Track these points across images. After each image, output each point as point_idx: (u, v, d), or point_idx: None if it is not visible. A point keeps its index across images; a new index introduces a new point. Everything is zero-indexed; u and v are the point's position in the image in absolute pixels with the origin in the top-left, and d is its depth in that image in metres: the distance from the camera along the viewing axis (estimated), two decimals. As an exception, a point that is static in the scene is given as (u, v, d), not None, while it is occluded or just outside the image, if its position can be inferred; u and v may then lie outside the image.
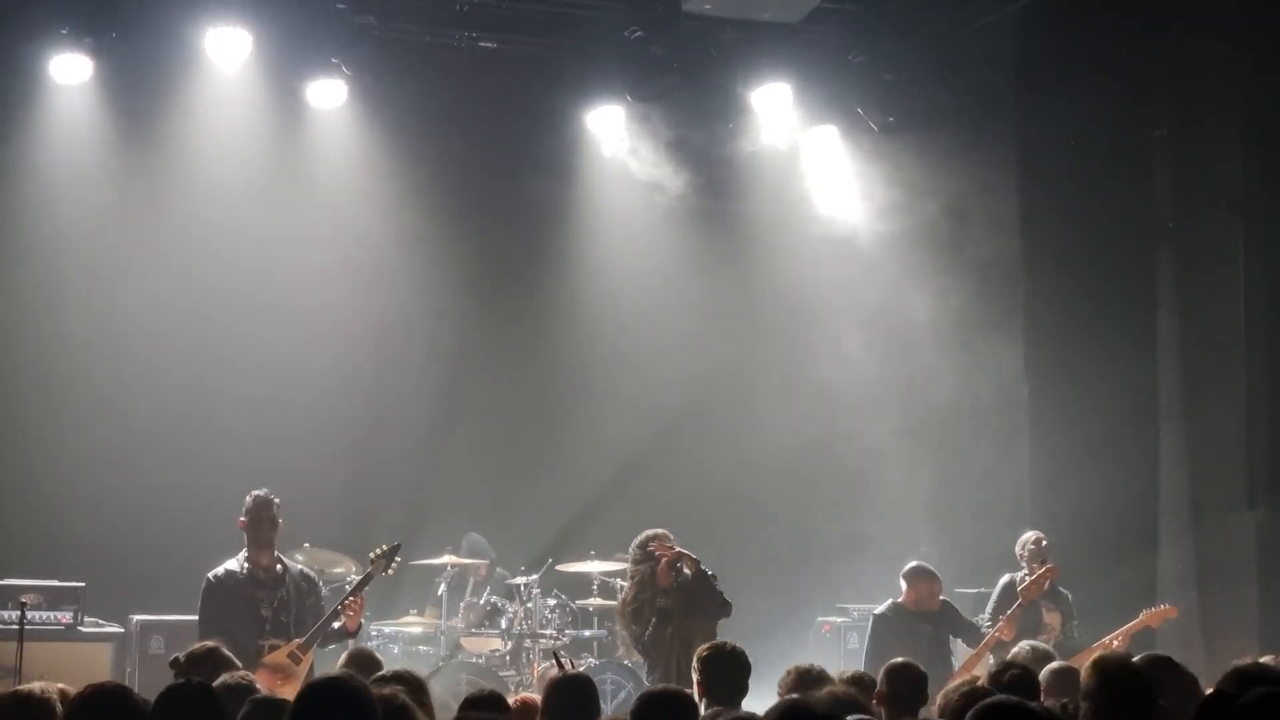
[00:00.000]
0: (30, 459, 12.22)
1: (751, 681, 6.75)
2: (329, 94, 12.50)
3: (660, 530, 9.74)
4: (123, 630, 10.90)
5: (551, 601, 11.61)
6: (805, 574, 13.60)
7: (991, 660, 9.57)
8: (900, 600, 10.69)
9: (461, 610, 11.67)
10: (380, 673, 6.20)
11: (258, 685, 6.09)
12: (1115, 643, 10.21)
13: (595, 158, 13.39)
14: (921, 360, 13.32)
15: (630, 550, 9.85)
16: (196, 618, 9.33)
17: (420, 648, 11.59)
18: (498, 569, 12.29)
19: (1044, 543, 10.94)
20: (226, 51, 11.96)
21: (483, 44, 12.76)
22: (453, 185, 13.48)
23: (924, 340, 13.26)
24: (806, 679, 6.49)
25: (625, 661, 11.14)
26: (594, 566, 11.81)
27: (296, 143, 12.85)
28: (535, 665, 11.28)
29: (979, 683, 6.46)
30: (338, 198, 13.11)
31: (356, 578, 11.09)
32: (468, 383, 13.46)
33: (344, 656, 7.40)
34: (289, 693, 6.79)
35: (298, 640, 8.98)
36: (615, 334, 13.76)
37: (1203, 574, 12.07)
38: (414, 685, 5.87)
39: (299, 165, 12.93)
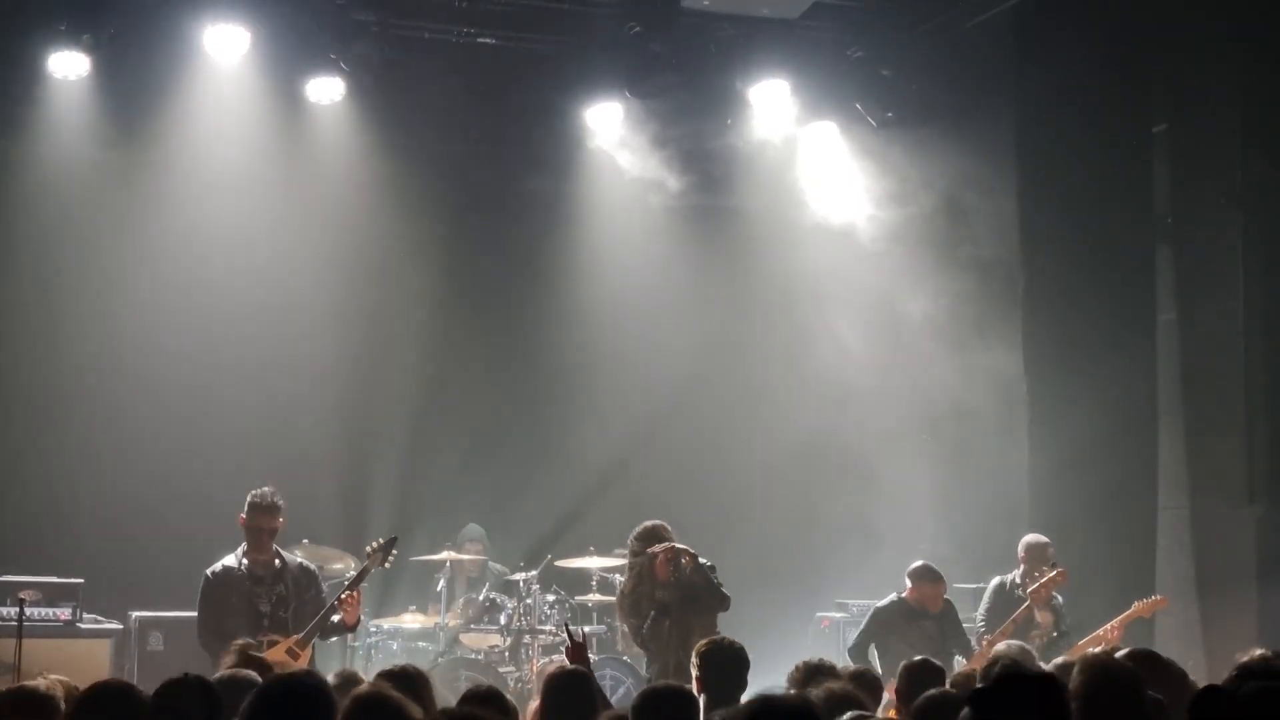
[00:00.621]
0: (29, 455, 12.22)
1: (751, 676, 6.76)
2: (328, 90, 12.48)
3: (659, 522, 9.74)
4: (121, 627, 10.90)
5: (550, 597, 11.61)
6: (804, 569, 13.59)
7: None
8: (904, 596, 10.72)
9: (460, 606, 11.67)
10: (386, 668, 6.21)
11: (257, 679, 6.11)
12: (1110, 633, 10.23)
13: (593, 154, 13.38)
14: (920, 356, 13.32)
15: (629, 541, 9.83)
16: (195, 614, 9.34)
17: (419, 644, 11.60)
18: (494, 564, 12.28)
19: (1048, 547, 10.95)
20: (225, 47, 11.95)
21: (481, 40, 12.75)
22: (451, 181, 13.49)
23: (923, 336, 13.25)
24: (816, 674, 6.47)
25: (624, 657, 11.16)
26: (593, 562, 11.82)
27: (295, 139, 12.84)
28: (534, 661, 11.28)
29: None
30: (336, 194, 13.11)
31: (355, 574, 11.13)
32: (466, 378, 13.46)
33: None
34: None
35: (296, 636, 8.98)
36: (614, 329, 13.76)
37: (1201, 570, 12.05)
38: (416, 678, 5.88)
39: (297, 161, 12.93)
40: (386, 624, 11.68)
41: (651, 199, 13.35)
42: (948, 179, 12.81)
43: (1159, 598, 10.79)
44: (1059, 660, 7.26)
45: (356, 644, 11.18)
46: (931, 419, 13.68)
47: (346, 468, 13.02)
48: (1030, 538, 11.14)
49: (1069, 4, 12.56)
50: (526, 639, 11.46)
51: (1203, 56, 11.99)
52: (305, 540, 11.11)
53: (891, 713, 6.83)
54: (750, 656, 6.82)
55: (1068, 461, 12.43)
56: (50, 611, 10.54)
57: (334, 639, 10.10)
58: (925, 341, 13.23)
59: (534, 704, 6.47)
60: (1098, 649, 8.34)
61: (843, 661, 8.93)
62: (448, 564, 11.80)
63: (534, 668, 11.16)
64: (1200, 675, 8.59)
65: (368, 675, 7.60)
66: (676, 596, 9.47)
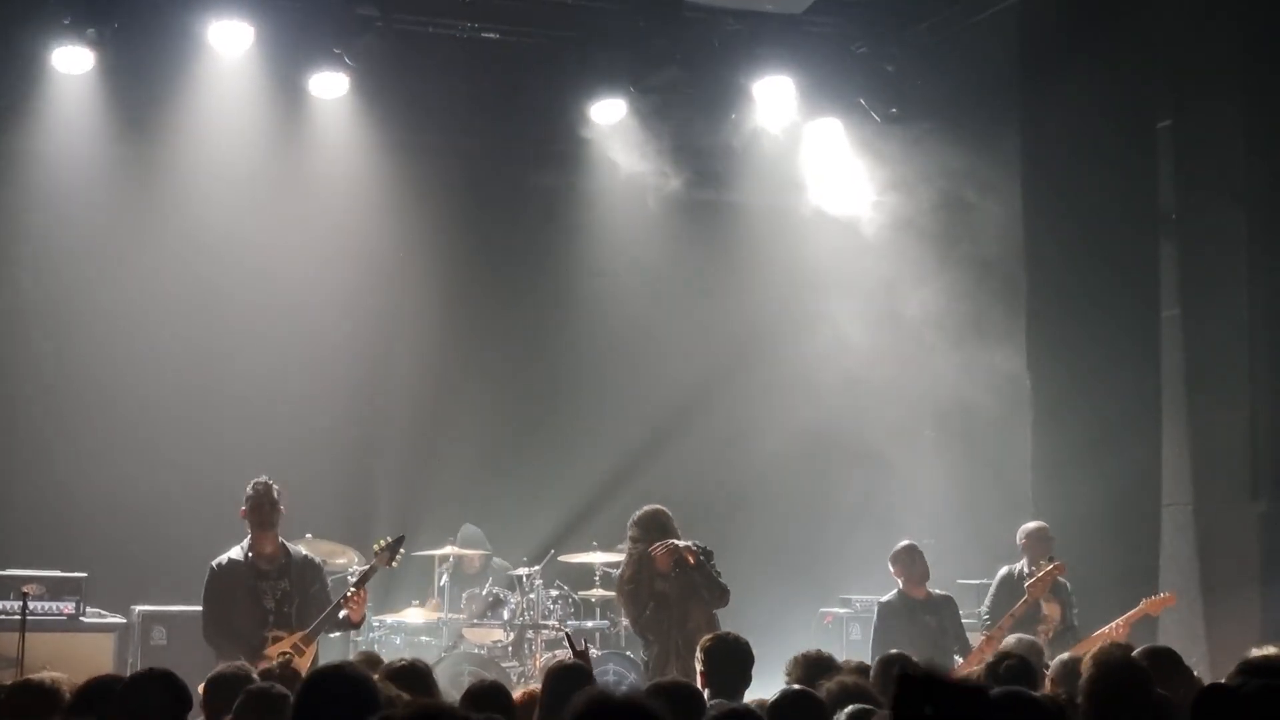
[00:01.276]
0: (32, 450, 12.24)
1: (755, 671, 6.76)
2: (331, 85, 12.47)
3: (659, 506, 9.72)
4: (125, 621, 10.91)
5: (554, 592, 11.62)
6: (807, 565, 13.60)
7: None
8: (902, 588, 10.73)
9: (464, 601, 11.67)
10: (388, 663, 6.21)
11: (255, 676, 6.12)
12: (1116, 631, 10.22)
13: (598, 149, 13.37)
14: (924, 353, 13.31)
15: (628, 526, 9.81)
16: (198, 609, 9.35)
17: (422, 639, 11.61)
18: (494, 559, 12.28)
19: (1048, 534, 10.96)
20: (228, 42, 11.94)
21: (485, 35, 12.75)
22: (454, 176, 13.50)
23: (926, 333, 13.25)
24: (814, 667, 6.48)
25: (628, 652, 11.15)
26: (596, 557, 11.82)
27: (298, 134, 12.84)
28: (537, 656, 11.28)
29: (976, 677, 6.48)
30: (339, 189, 13.11)
31: (358, 569, 11.13)
32: (470, 372, 13.47)
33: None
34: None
35: (301, 633, 8.98)
36: (618, 323, 13.76)
37: (1205, 567, 12.03)
38: (421, 672, 5.88)
39: (301, 156, 12.93)
40: (389, 619, 11.69)
41: (656, 194, 13.34)
42: (951, 175, 12.80)
43: (1167, 595, 10.77)
44: (1064, 656, 7.27)
45: (360, 638, 11.18)
46: (935, 416, 13.68)
47: (350, 462, 13.03)
48: (1028, 525, 11.15)
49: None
50: (530, 634, 11.47)
51: (1207, 52, 11.97)
52: (309, 535, 11.12)
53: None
54: (755, 651, 6.81)
55: (1071, 458, 12.42)
56: (53, 605, 10.54)
57: (337, 634, 10.10)
58: (929, 338, 13.23)
59: (519, 692, 6.47)
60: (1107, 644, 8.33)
61: (843, 658, 8.93)
62: (450, 559, 11.80)
63: (537, 663, 11.17)
64: (1204, 672, 8.61)
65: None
66: (676, 588, 9.46)
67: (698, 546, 9.58)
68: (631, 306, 13.82)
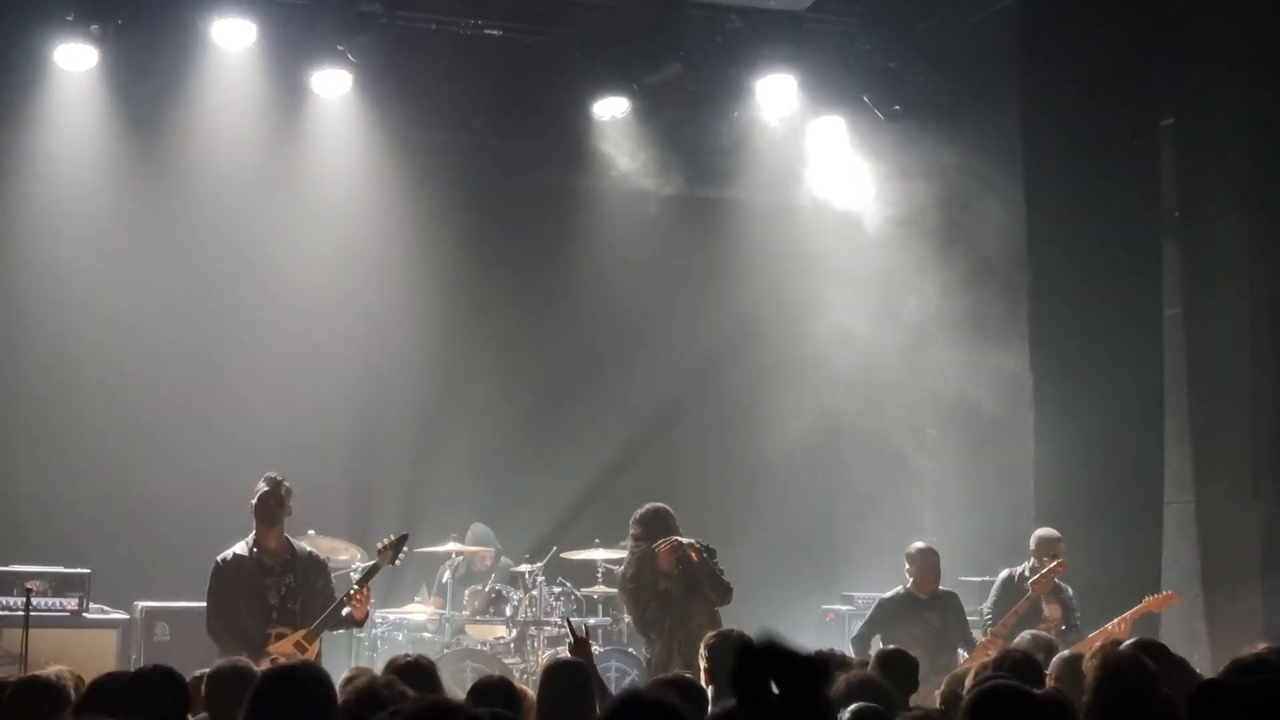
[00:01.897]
0: (36, 446, 12.25)
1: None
2: (334, 83, 12.48)
3: (661, 504, 9.71)
4: (128, 617, 10.91)
5: (556, 589, 11.62)
6: (809, 562, 13.60)
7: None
8: (910, 587, 10.73)
9: (466, 598, 11.68)
10: (393, 658, 6.21)
11: (258, 672, 6.13)
12: (1118, 628, 10.23)
13: (600, 146, 13.37)
14: (926, 350, 13.32)
15: (630, 524, 9.80)
16: (201, 605, 9.34)
17: (425, 635, 11.61)
18: (503, 558, 12.30)
19: (1056, 539, 10.96)
20: (231, 39, 11.94)
21: (488, 32, 12.75)
22: (457, 173, 13.51)
23: (929, 330, 13.25)
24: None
25: (630, 649, 11.16)
26: (599, 554, 11.82)
27: (301, 131, 12.84)
28: (540, 653, 11.29)
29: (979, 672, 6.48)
30: (342, 186, 13.11)
31: (361, 565, 11.13)
32: (473, 368, 13.48)
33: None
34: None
35: (304, 629, 8.97)
36: (619, 320, 13.77)
37: (1207, 565, 12.04)
38: (426, 669, 5.88)
39: (304, 154, 12.93)
40: (392, 615, 11.70)
41: (658, 191, 13.34)
42: (953, 172, 12.80)
43: (1170, 593, 10.77)
44: (1065, 653, 7.29)
45: (362, 635, 11.19)
46: (938, 413, 13.68)
47: (354, 458, 13.04)
48: (1041, 531, 11.13)
49: (1077, -2, 12.55)
50: (532, 631, 11.46)
51: (1209, 50, 11.98)
52: (311, 531, 11.12)
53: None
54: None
55: (1073, 456, 12.41)
56: (57, 602, 10.54)
57: (340, 631, 10.11)
58: (931, 336, 13.23)
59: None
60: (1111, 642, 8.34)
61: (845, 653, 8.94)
62: (453, 555, 11.81)
63: (540, 659, 11.16)
64: (1205, 669, 8.59)
65: (375, 666, 7.63)
66: (680, 586, 9.44)
67: (700, 545, 9.57)
68: (633, 303, 13.83)
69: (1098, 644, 7.93)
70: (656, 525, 9.55)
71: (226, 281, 12.86)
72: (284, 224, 12.94)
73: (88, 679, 5.72)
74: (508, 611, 11.50)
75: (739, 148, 13.51)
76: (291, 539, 9.44)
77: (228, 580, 9.13)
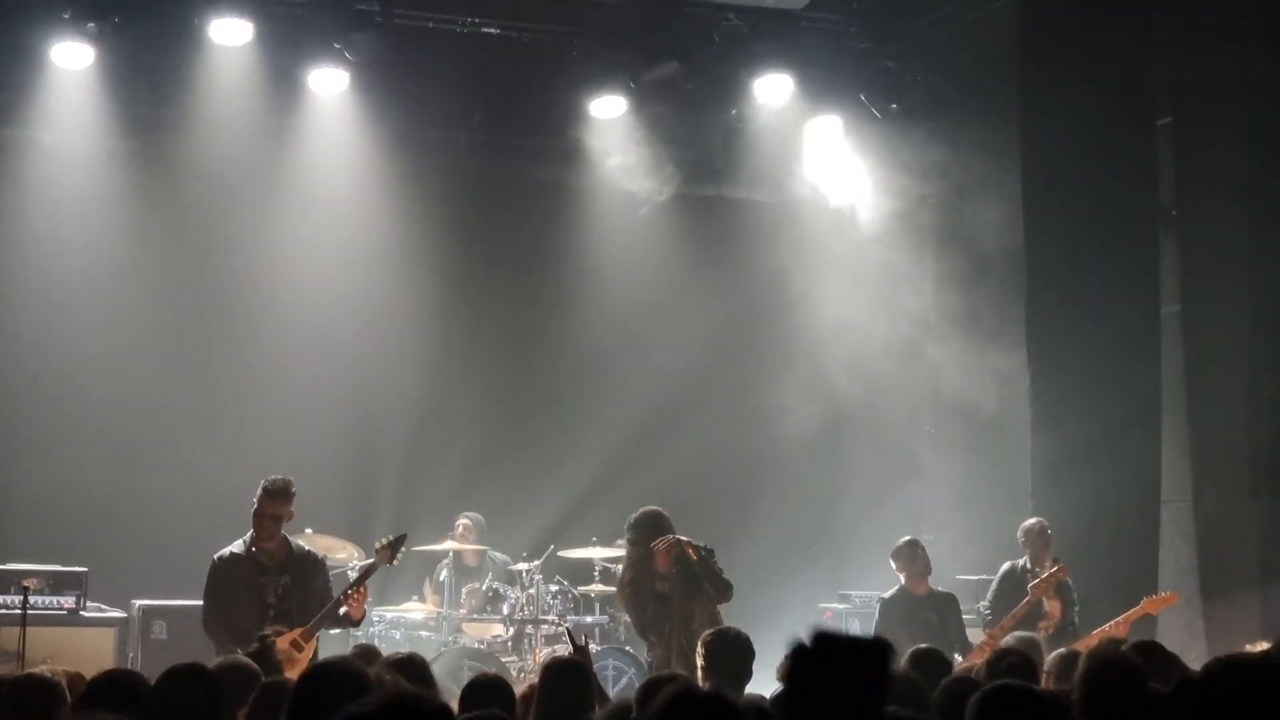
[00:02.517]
0: (34, 444, 12.24)
1: (755, 665, 6.76)
2: (332, 81, 12.47)
3: (656, 508, 9.69)
4: (125, 616, 10.89)
5: (553, 587, 11.61)
6: (807, 560, 13.59)
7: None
8: (904, 585, 10.74)
9: (463, 596, 11.67)
10: (387, 655, 6.21)
11: (256, 669, 6.13)
12: (1116, 629, 10.23)
13: (597, 144, 13.37)
14: (923, 349, 13.32)
15: (625, 529, 9.79)
16: (199, 603, 9.33)
17: (422, 633, 11.60)
18: (495, 554, 12.27)
19: (1048, 530, 10.96)
20: (228, 38, 11.93)
21: (485, 30, 12.75)
22: (454, 172, 13.51)
23: (926, 328, 13.25)
24: None
25: (627, 647, 11.16)
26: (596, 552, 11.81)
27: (298, 129, 12.84)
28: (537, 651, 11.28)
29: (975, 673, 6.48)
30: (339, 184, 13.10)
31: (358, 563, 11.14)
32: (470, 365, 13.47)
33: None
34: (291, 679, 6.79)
35: (300, 629, 8.97)
36: (617, 318, 13.77)
37: (1204, 564, 12.06)
38: (418, 665, 5.88)
39: (301, 152, 12.92)
40: (389, 612, 11.69)
41: (655, 190, 13.33)
42: (951, 170, 12.80)
43: (1168, 594, 10.77)
44: (1062, 650, 7.29)
45: (359, 633, 11.18)
46: (935, 411, 13.68)
47: (350, 457, 13.03)
48: (1028, 522, 11.16)
49: (1073, -4, 12.56)
50: (529, 629, 11.46)
51: (1207, 48, 11.98)
52: (308, 529, 11.10)
53: None
54: (756, 646, 6.82)
55: (1070, 454, 12.41)
56: (54, 600, 10.52)
57: (337, 630, 10.10)
58: (929, 333, 13.23)
59: (521, 688, 6.46)
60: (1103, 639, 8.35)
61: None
62: (450, 553, 11.80)
63: (536, 658, 11.15)
64: (1201, 666, 8.58)
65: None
66: (678, 588, 9.42)
67: (699, 545, 9.56)
68: (630, 301, 13.82)
69: (1094, 642, 7.94)
70: (651, 529, 9.54)
71: (222, 279, 12.85)
72: (280, 222, 12.93)
73: (86, 677, 5.72)
74: (505, 610, 11.49)
75: (736, 146, 13.51)
76: (289, 537, 9.44)
77: (225, 578, 9.13)
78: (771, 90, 13.18)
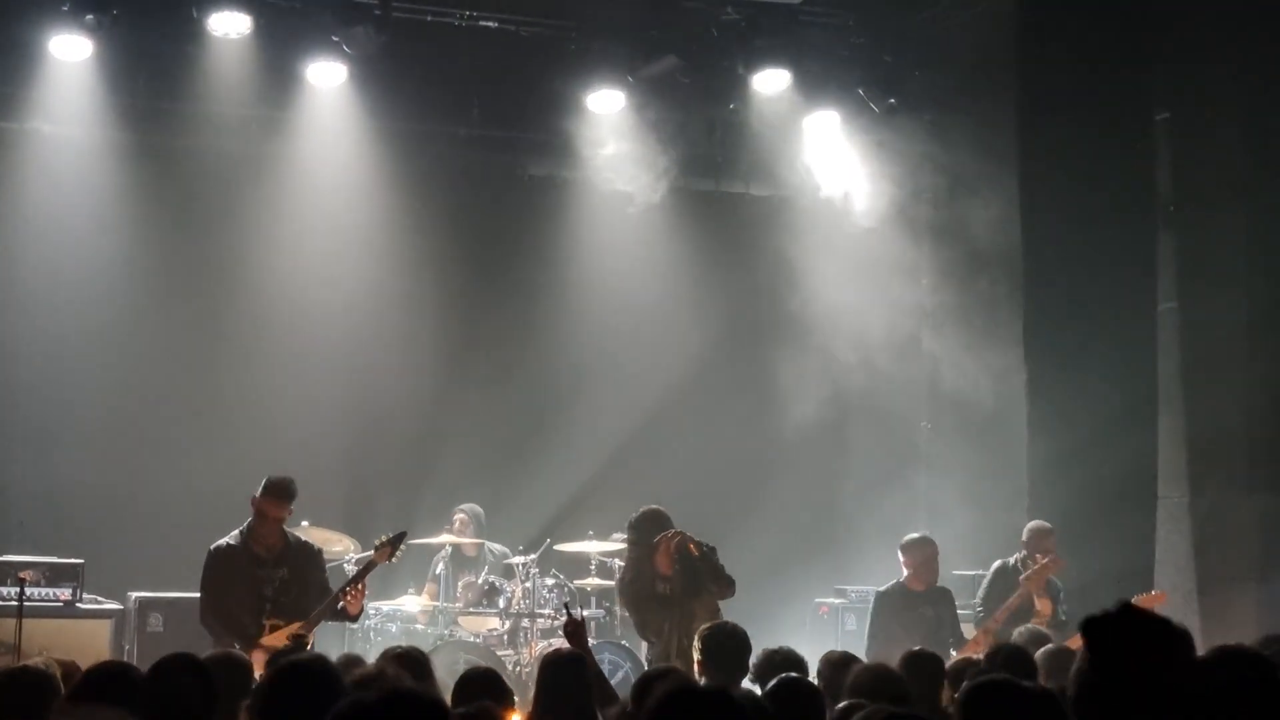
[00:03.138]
0: (29, 436, 12.24)
1: (751, 661, 6.76)
2: (329, 74, 12.48)
3: (656, 506, 9.67)
4: (121, 607, 10.91)
5: (550, 581, 11.60)
6: (803, 556, 13.60)
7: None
8: (903, 580, 10.73)
9: (460, 589, 11.68)
10: (388, 649, 6.21)
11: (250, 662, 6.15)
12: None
13: (595, 138, 13.37)
14: (920, 345, 13.32)
15: (626, 528, 9.77)
16: (195, 595, 9.34)
17: (418, 626, 11.60)
18: (492, 546, 12.27)
19: (1049, 532, 10.96)
20: (227, 30, 11.93)
21: (484, 24, 12.74)
22: (452, 165, 13.52)
23: (923, 324, 13.25)
24: (841, 668, 6.43)
25: (623, 641, 11.16)
26: (592, 547, 11.81)
27: (296, 122, 12.84)
28: (533, 645, 11.29)
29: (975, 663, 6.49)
30: (337, 177, 13.11)
31: (354, 556, 11.15)
32: (468, 359, 13.48)
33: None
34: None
35: (298, 623, 8.96)
36: (614, 313, 13.78)
37: (1202, 561, 12.05)
38: (418, 659, 5.88)
39: (299, 145, 12.93)
40: (386, 606, 11.69)
41: (653, 184, 13.33)
42: (949, 165, 12.82)
43: (1157, 593, 10.76)
44: (1051, 646, 7.29)
45: (355, 627, 11.19)
46: (932, 408, 13.69)
47: (347, 449, 13.04)
48: (1034, 523, 11.14)
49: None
50: (525, 623, 11.47)
51: (1206, 44, 11.97)
52: (305, 522, 11.11)
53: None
54: (752, 640, 6.82)
55: (1067, 451, 12.39)
56: (50, 592, 10.54)
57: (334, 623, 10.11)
58: (926, 329, 13.23)
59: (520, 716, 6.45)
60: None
61: (839, 647, 8.93)
62: (446, 547, 11.80)
63: (532, 651, 11.16)
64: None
65: (369, 657, 7.63)
66: (679, 586, 9.38)
67: (705, 546, 9.54)
68: (627, 294, 13.83)
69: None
70: (651, 528, 9.50)
71: (219, 273, 12.86)
72: (279, 216, 12.94)
73: (83, 668, 5.72)
74: (501, 604, 11.49)
75: (734, 140, 13.52)
76: (286, 529, 9.44)
77: (221, 570, 9.12)
78: (769, 85, 13.18)
